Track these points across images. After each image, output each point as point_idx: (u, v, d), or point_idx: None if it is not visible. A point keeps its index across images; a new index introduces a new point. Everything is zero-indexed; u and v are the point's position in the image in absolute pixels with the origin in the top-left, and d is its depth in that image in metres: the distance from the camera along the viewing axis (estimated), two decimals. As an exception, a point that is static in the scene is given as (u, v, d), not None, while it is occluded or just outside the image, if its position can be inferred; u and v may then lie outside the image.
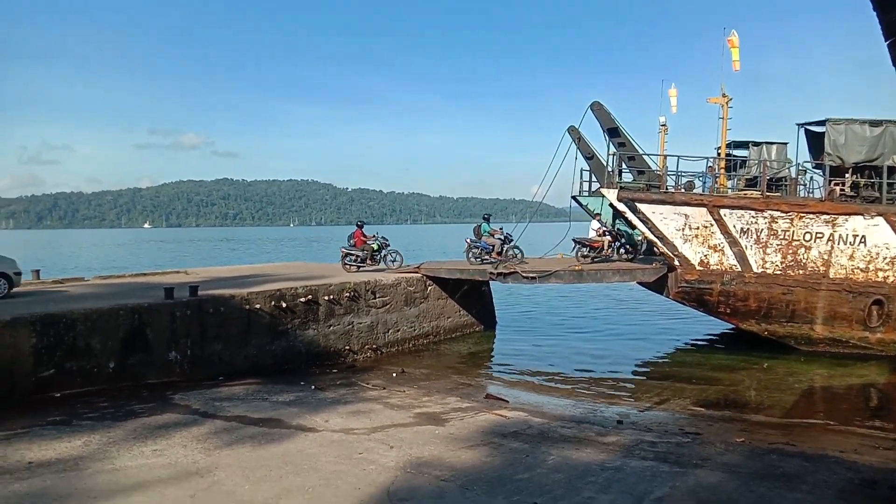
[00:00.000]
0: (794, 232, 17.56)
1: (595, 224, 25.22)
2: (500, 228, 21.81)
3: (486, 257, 20.71)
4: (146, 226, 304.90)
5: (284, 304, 15.43)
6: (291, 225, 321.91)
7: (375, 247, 20.93)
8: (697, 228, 17.95)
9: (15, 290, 15.18)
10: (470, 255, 20.96)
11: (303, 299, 15.86)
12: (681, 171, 19.55)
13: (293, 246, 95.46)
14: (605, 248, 21.14)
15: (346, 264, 20.70)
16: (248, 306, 14.81)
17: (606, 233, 21.61)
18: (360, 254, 20.70)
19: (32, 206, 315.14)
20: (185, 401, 11.62)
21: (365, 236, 21.16)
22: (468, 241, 21.30)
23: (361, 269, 20.44)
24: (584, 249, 21.09)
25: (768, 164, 19.17)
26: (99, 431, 9.45)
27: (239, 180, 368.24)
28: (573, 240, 21.60)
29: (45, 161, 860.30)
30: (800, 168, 19.64)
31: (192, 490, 7.19)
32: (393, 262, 20.98)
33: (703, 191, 19.28)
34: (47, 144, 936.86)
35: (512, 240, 21.38)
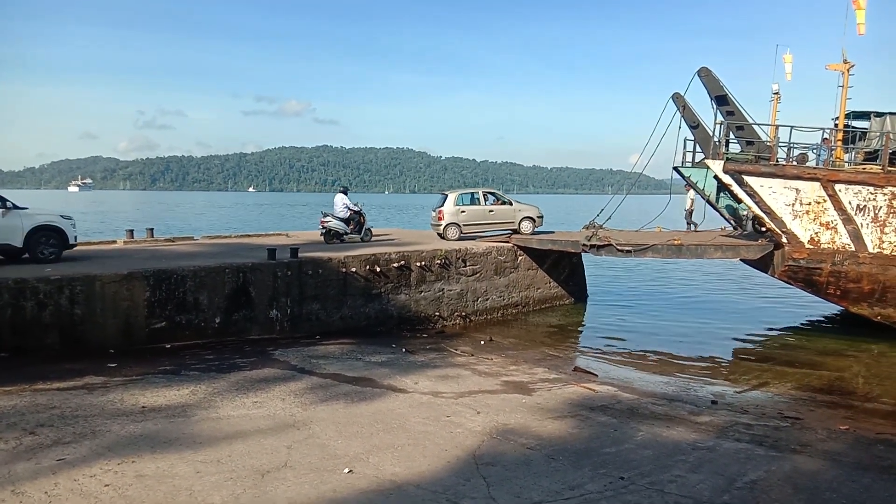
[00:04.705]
0: (918, 211, 16.22)
1: (691, 194, 24.38)
2: None
3: None
4: (250, 189, 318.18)
5: (378, 269, 15.82)
6: (386, 192, 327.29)
7: None
8: (809, 204, 16.91)
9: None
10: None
11: (396, 265, 16.19)
12: (793, 143, 18.35)
13: (388, 213, 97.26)
14: None
15: None
16: (344, 269, 15.28)
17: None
18: None
19: (147, 168, 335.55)
20: (283, 357, 12.19)
21: None
22: None
23: None
24: None
25: (892, 136, 17.70)
26: (205, 382, 10.09)
27: (338, 147, 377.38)
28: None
29: (160, 126, 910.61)
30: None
31: (288, 441, 7.57)
32: None
33: (818, 164, 18.06)
34: (162, 110, 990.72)
35: None
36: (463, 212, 20.63)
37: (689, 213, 24.74)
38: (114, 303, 12.23)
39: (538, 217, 21.21)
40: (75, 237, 14.56)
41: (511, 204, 21.32)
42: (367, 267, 15.69)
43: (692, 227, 24.48)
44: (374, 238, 20.61)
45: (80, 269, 12.75)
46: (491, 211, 20.94)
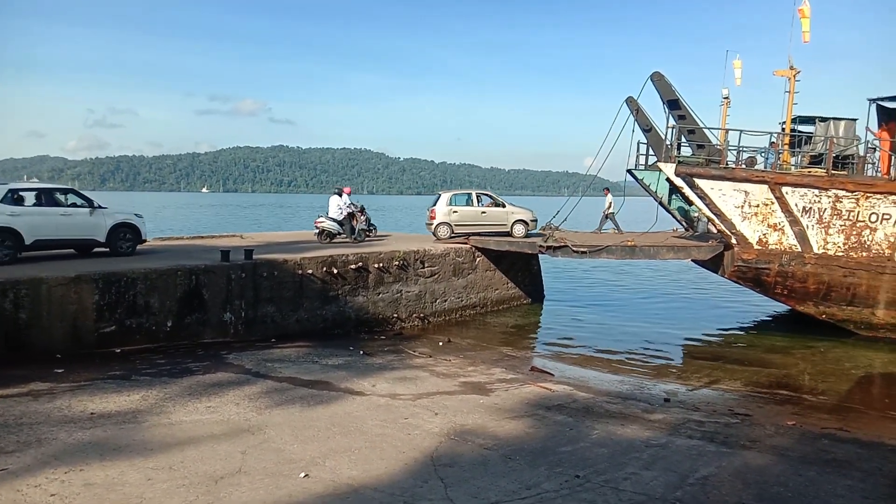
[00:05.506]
0: (859, 212, 16.86)
1: (609, 197, 25.02)
2: None
3: None
4: (204, 190, 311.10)
5: (335, 271, 15.68)
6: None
7: None
8: (757, 206, 17.41)
9: None
10: None
11: (353, 266, 16.08)
12: (743, 147, 18.90)
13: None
14: None
15: None
16: (300, 271, 15.11)
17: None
18: None
19: (97, 168, 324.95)
20: (238, 361, 11.99)
21: None
22: None
23: None
24: None
25: (835, 140, 18.35)
26: (156, 387, 9.85)
27: (294, 147, 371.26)
28: None
29: (110, 124, 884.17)
30: (869, 146, 18.76)
31: (242, 446, 7.45)
32: None
33: (766, 167, 18.62)
34: (113, 108, 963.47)
35: None
36: (455, 212, 20.79)
37: (607, 214, 25.12)
38: (61, 307, 11.84)
39: (531, 220, 21.15)
40: (146, 233, 16.29)
41: (504, 206, 21.31)
42: (324, 268, 15.54)
43: (613, 229, 24.62)
44: (367, 239, 20.83)
45: (29, 271, 12.32)
46: (483, 212, 21.01)
